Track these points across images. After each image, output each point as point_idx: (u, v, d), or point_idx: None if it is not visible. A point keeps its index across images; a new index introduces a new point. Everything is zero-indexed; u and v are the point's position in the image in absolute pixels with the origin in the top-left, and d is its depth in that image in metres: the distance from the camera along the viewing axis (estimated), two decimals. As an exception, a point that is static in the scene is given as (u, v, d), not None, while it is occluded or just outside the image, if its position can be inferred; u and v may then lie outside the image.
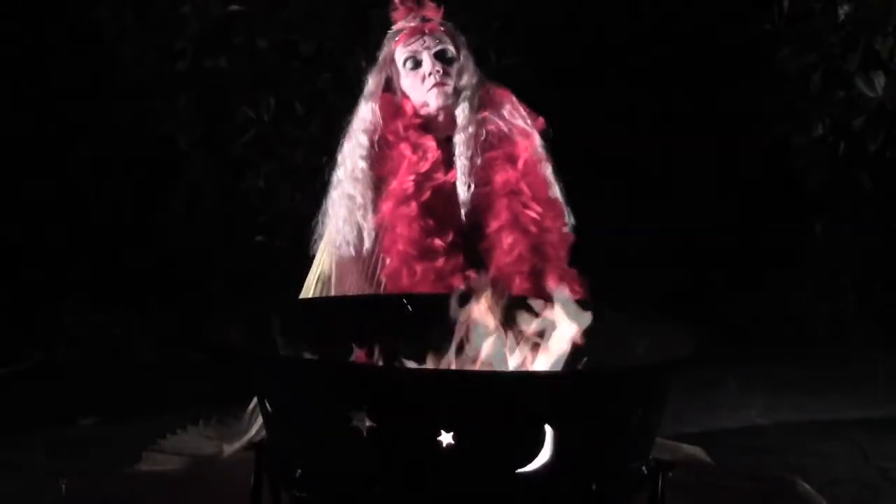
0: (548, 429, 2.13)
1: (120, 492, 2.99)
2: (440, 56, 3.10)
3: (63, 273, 4.98)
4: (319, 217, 3.14)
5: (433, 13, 3.17)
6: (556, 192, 3.12)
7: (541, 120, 3.17)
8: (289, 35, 5.03)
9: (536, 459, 2.14)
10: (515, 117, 3.14)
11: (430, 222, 3.00)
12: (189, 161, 5.16)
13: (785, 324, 5.28)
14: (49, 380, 4.38)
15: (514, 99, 3.18)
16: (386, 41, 3.17)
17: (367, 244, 3.04)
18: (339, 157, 3.14)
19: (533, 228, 3.02)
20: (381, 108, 3.11)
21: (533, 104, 3.22)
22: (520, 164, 3.07)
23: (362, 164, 3.07)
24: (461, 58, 3.12)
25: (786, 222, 5.54)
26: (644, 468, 2.32)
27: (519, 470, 2.14)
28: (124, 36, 5.13)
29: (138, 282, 5.02)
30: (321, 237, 3.14)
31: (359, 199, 3.06)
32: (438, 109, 3.10)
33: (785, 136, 5.39)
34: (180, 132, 5.12)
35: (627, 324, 2.58)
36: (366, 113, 3.12)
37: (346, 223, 3.06)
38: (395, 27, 3.18)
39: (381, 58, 3.17)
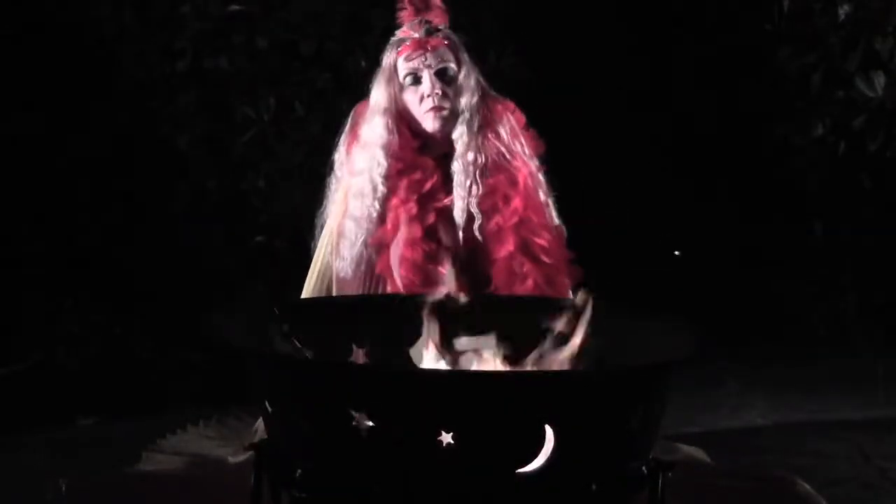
0: (548, 429, 2.13)
1: (120, 492, 2.99)
2: (441, 75, 3.03)
3: (63, 273, 4.98)
4: (320, 214, 3.12)
5: (440, 18, 3.08)
6: (554, 217, 3.08)
7: (540, 144, 3.10)
8: (289, 35, 5.03)
9: (536, 459, 2.14)
10: (514, 143, 3.07)
11: (433, 247, 2.96)
12: (189, 161, 5.17)
13: (785, 324, 5.28)
14: (49, 380, 4.38)
15: (512, 117, 3.11)
16: (389, 47, 3.09)
17: (362, 264, 3.00)
18: (340, 159, 3.11)
19: (544, 258, 3.00)
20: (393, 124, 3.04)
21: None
22: (521, 189, 3.03)
23: (379, 183, 3.01)
24: (461, 75, 3.04)
25: (786, 222, 5.55)
26: (644, 468, 2.32)
27: (519, 470, 2.14)
28: (124, 36, 5.13)
29: (138, 282, 5.02)
30: (320, 233, 3.12)
31: (364, 219, 3.01)
32: (435, 131, 3.05)
33: (785, 136, 5.40)
34: (180, 132, 5.13)
35: (627, 323, 2.58)
36: (380, 128, 3.04)
37: (347, 239, 3.03)
38: (398, 33, 3.09)
39: (384, 66, 3.08)
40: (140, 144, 5.18)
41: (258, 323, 2.56)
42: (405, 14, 3.09)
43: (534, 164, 3.10)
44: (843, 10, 5.08)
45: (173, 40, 5.06)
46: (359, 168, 3.06)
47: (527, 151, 3.08)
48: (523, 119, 3.13)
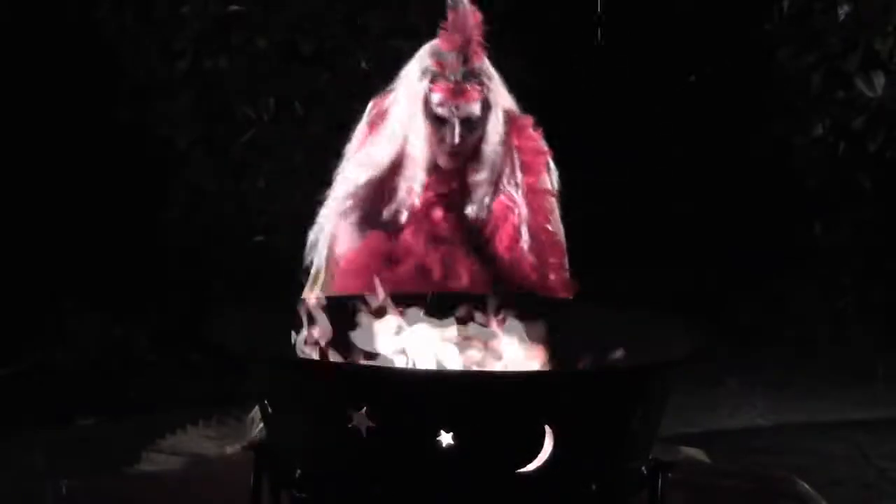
0: (548, 429, 2.13)
1: (120, 492, 2.99)
2: (465, 123, 2.98)
3: (63, 273, 4.98)
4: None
5: (478, 56, 2.98)
6: (558, 231, 3.04)
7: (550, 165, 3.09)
8: (289, 35, 5.03)
9: (536, 459, 2.13)
10: (518, 191, 3.03)
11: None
12: (189, 161, 5.16)
13: (785, 324, 5.28)
14: (49, 380, 4.38)
15: (531, 135, 3.07)
16: (422, 73, 2.99)
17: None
18: (350, 153, 3.10)
19: (533, 276, 2.97)
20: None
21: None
22: (515, 218, 2.99)
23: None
24: (489, 123, 3.00)
25: (786, 222, 5.55)
26: (644, 468, 2.32)
27: (519, 470, 2.14)
28: (124, 36, 5.13)
29: (138, 282, 5.02)
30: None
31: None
32: (444, 167, 3.03)
33: (785, 136, 5.40)
34: (180, 132, 5.12)
35: (628, 324, 2.58)
36: (422, 159, 3.02)
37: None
38: (433, 62, 2.98)
39: (415, 91, 2.99)
40: (140, 144, 5.18)
41: (259, 323, 2.56)
42: (444, 39, 2.98)
43: (545, 175, 3.06)
44: (843, 10, 5.07)
45: (173, 40, 5.06)
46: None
47: (523, 197, 3.03)
48: (537, 137, 3.08)
